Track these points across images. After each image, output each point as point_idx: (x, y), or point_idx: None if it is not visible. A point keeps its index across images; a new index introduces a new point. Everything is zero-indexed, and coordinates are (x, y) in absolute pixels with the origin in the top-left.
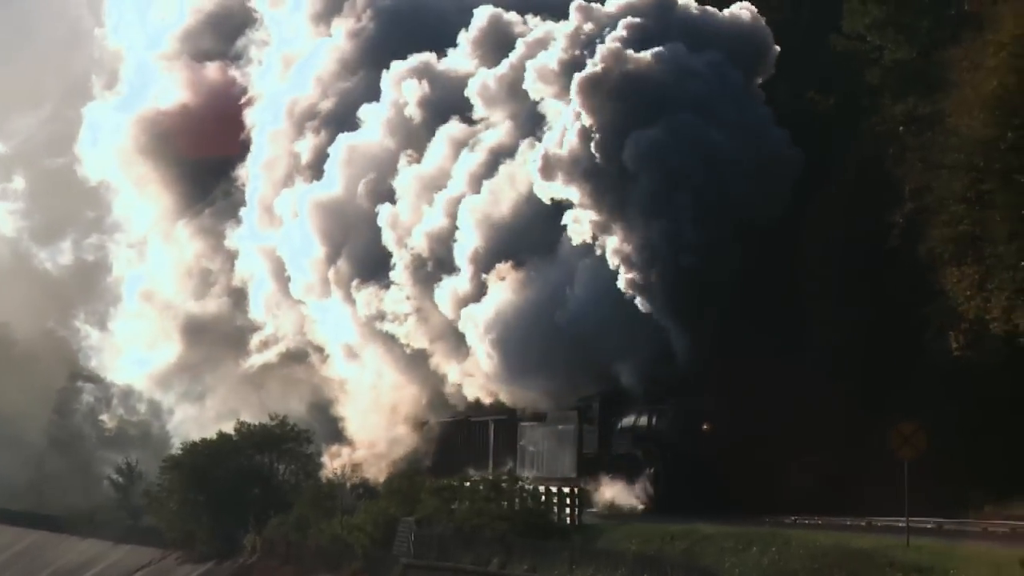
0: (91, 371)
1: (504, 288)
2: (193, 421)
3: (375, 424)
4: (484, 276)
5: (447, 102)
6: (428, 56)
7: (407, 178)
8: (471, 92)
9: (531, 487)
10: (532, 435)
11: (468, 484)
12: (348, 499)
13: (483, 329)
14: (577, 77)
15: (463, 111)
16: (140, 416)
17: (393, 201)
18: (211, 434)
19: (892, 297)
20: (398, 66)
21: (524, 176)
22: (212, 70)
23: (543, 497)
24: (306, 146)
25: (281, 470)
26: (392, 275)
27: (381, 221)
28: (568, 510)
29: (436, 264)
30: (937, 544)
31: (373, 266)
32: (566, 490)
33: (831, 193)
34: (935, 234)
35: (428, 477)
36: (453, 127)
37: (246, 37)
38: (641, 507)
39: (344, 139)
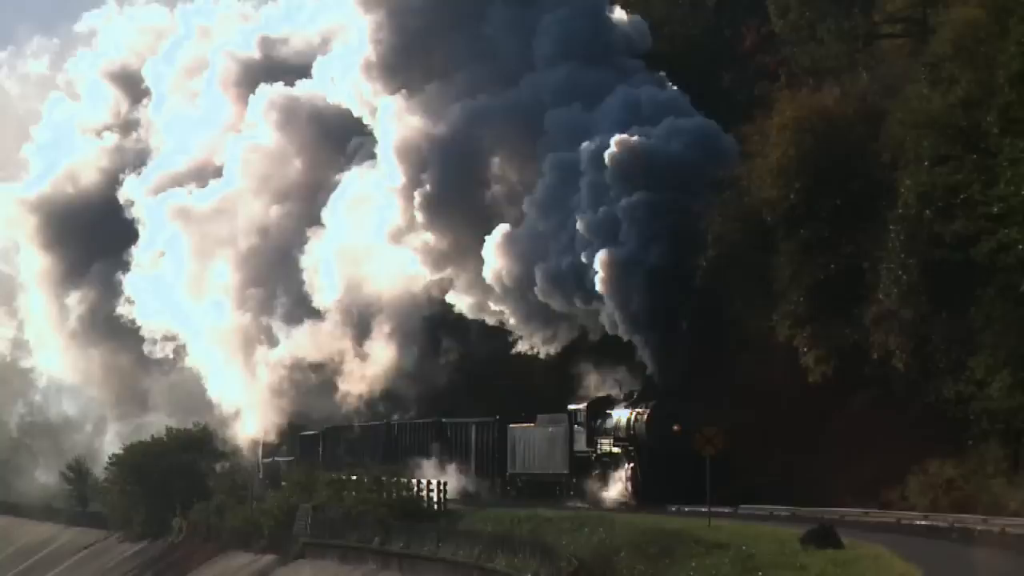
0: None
1: None
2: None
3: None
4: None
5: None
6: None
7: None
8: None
9: (404, 480)
10: (523, 436)
11: (355, 478)
12: (258, 488)
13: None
14: None
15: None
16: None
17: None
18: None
19: (700, 325)
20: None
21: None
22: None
23: (416, 488)
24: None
25: (203, 466)
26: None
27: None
28: (436, 497)
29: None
30: (733, 525)
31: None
32: (434, 481)
33: None
34: (731, 274)
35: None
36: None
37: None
38: (623, 499)
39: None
